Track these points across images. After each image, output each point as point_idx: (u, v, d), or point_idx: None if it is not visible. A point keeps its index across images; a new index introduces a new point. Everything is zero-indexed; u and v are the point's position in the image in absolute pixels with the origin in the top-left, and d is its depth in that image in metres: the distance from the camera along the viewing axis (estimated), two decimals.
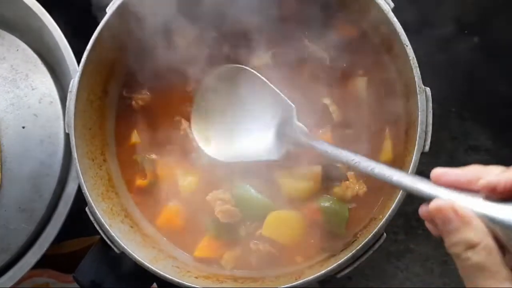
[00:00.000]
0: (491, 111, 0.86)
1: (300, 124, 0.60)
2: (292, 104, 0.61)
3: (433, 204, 0.38)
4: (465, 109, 0.86)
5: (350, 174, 0.64)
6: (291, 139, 0.61)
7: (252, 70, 0.64)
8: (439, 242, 0.85)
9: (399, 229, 0.86)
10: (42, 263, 0.69)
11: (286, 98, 0.62)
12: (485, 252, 0.35)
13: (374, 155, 0.65)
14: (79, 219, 0.64)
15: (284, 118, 0.62)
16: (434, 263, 0.85)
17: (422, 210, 0.42)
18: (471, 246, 0.35)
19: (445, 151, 0.86)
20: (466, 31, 0.86)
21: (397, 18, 0.58)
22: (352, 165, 0.49)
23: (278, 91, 0.62)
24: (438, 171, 0.40)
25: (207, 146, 0.68)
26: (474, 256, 0.35)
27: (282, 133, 0.63)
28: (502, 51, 0.85)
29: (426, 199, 0.40)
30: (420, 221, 0.87)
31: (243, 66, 0.65)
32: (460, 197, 0.38)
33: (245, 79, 0.65)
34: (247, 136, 0.67)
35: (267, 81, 0.63)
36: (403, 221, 0.86)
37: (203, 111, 0.70)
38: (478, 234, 0.35)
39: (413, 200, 0.86)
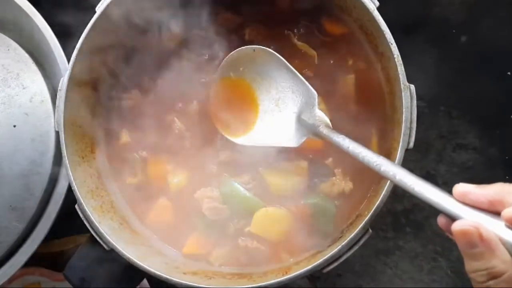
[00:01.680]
0: (479, 110, 0.86)
1: (322, 114, 0.58)
2: (315, 92, 0.59)
3: (457, 226, 0.36)
4: (453, 108, 0.87)
5: (337, 170, 0.65)
6: (311, 128, 0.58)
7: (276, 53, 0.62)
8: (427, 240, 0.86)
9: (387, 226, 0.86)
10: (33, 262, 0.69)
11: (308, 85, 0.60)
12: (507, 283, 0.33)
13: None
14: (70, 217, 0.65)
15: (306, 105, 0.60)
16: (423, 260, 0.85)
17: (442, 221, 0.40)
18: (494, 276, 0.34)
19: (433, 149, 0.87)
20: (454, 31, 0.87)
21: (385, 17, 0.58)
22: (373, 167, 0.47)
23: (301, 76, 0.60)
24: (461, 189, 0.38)
25: (226, 129, 0.67)
26: (496, 286, 0.34)
27: (303, 121, 0.60)
28: (490, 50, 0.86)
29: (448, 215, 0.38)
30: (408, 219, 0.88)
31: (266, 48, 0.63)
32: (484, 219, 0.36)
33: (267, 62, 0.64)
34: (268, 120, 0.65)
35: (290, 66, 0.61)
36: (392, 219, 0.87)
37: (224, 93, 0.68)
38: (503, 263, 0.34)
39: (402, 198, 0.88)
